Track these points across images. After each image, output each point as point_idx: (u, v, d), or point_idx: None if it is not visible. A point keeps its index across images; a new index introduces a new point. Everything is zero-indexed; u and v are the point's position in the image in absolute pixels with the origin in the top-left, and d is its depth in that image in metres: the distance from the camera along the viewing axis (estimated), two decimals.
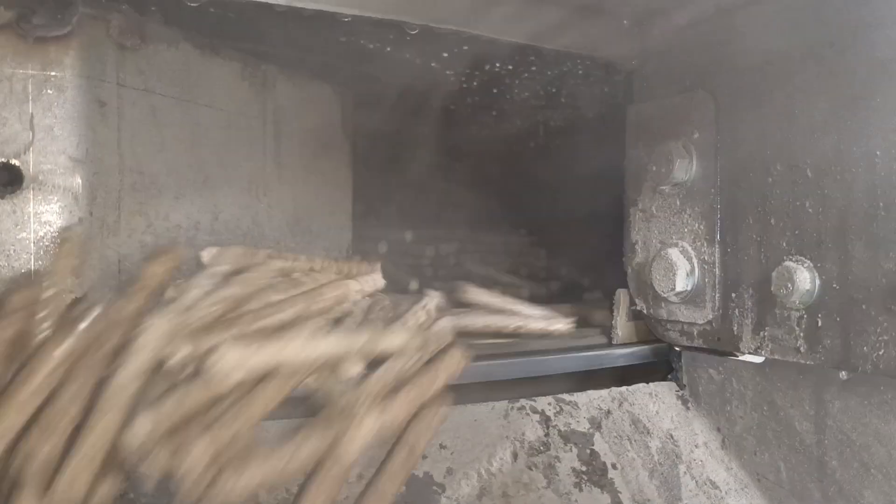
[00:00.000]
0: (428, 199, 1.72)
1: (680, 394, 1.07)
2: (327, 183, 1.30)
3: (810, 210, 0.84)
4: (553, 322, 1.12)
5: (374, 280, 0.98)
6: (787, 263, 0.85)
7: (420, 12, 0.93)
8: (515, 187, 1.81)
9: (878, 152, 0.77)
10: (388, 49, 1.12)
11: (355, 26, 0.95)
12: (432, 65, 1.25)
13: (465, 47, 1.13)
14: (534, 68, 1.29)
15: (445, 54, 1.18)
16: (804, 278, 0.84)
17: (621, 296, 1.12)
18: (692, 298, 0.99)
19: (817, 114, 0.83)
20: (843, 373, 0.84)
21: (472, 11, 0.97)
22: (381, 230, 1.54)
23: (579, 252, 1.66)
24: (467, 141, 1.74)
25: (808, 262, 0.84)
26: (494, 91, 1.44)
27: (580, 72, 1.25)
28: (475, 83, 1.39)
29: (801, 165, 0.85)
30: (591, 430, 0.97)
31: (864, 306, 0.79)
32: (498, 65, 1.29)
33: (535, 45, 1.06)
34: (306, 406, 0.76)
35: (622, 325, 1.12)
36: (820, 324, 0.83)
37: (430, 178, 1.69)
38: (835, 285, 0.82)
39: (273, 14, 0.92)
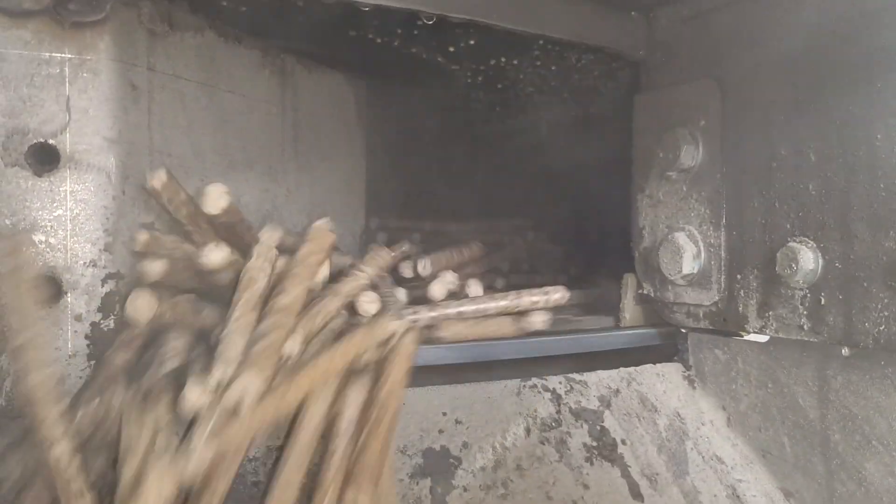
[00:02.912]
0: (439, 187, 1.75)
1: (686, 374, 1.10)
2: (342, 169, 1.33)
3: (813, 192, 0.88)
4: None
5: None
6: (791, 244, 0.88)
7: (435, 2, 0.96)
8: (524, 175, 1.84)
9: (878, 136, 0.80)
10: (404, 40, 1.15)
11: (374, 15, 0.97)
12: (442, 58, 1.28)
13: (473, 41, 1.16)
14: (539, 62, 1.32)
15: (452, 49, 1.21)
16: (808, 258, 0.87)
17: (629, 280, 1.16)
18: (698, 281, 1.02)
19: (820, 99, 0.87)
20: (845, 349, 0.87)
21: (484, 1, 1.00)
22: (393, 218, 1.57)
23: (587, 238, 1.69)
24: (475, 131, 1.77)
25: (812, 242, 0.87)
26: (500, 85, 1.47)
27: (588, 62, 1.27)
28: (481, 76, 1.41)
29: (805, 150, 0.88)
30: (600, 408, 1.00)
31: (865, 284, 0.82)
32: (504, 58, 1.32)
33: (545, 34, 1.09)
34: None
35: (630, 309, 1.16)
36: (823, 302, 0.87)
37: (441, 167, 1.72)
38: (837, 264, 0.85)
39: (294, 4, 0.95)
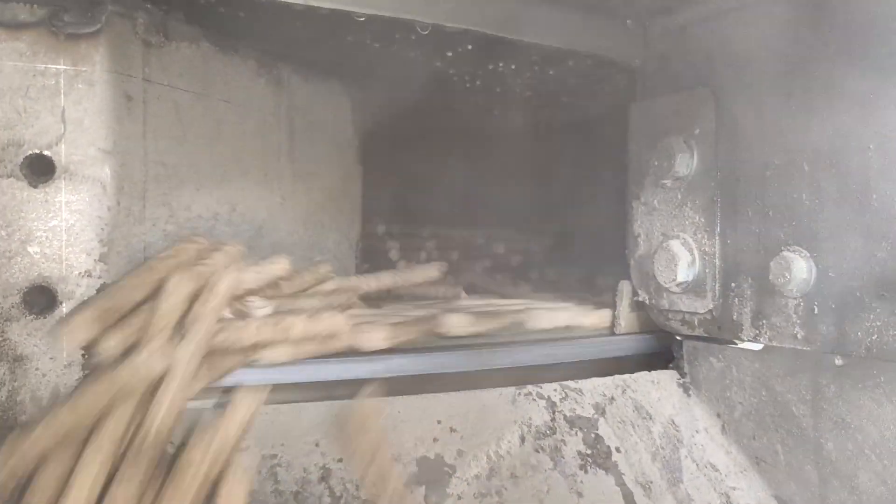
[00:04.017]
0: (436, 193, 1.76)
1: (681, 381, 1.10)
2: (338, 178, 1.34)
3: (807, 202, 0.88)
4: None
5: None
6: (785, 253, 0.89)
7: (431, 11, 0.97)
8: (521, 182, 1.85)
9: (871, 146, 0.81)
10: (399, 48, 1.15)
11: (370, 24, 0.98)
12: (439, 63, 1.29)
13: (469, 47, 1.17)
14: (537, 67, 1.33)
15: (449, 54, 1.21)
16: (801, 267, 0.87)
17: (624, 287, 1.16)
18: (693, 288, 1.03)
19: (813, 109, 0.87)
20: (838, 358, 0.87)
21: (481, 10, 1.01)
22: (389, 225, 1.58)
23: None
24: (472, 138, 1.78)
25: (805, 252, 0.88)
26: (498, 90, 1.47)
27: (584, 69, 1.28)
28: (478, 81, 1.42)
29: (798, 159, 0.89)
30: (595, 416, 1.00)
31: (858, 293, 0.82)
32: (501, 63, 1.32)
33: (540, 43, 1.09)
34: None
35: (625, 316, 1.16)
36: (816, 311, 0.87)
37: (436, 174, 1.73)
38: (830, 274, 0.85)
39: (289, 13, 0.96)
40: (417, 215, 1.72)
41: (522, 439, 0.93)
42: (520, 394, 0.98)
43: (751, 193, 0.95)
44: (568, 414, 0.99)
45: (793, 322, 0.90)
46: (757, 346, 0.99)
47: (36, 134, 0.78)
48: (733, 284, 0.98)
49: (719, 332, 1.01)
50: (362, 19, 0.94)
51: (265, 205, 1.13)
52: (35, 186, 0.78)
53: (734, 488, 0.99)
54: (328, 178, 1.31)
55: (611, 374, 1.07)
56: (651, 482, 0.95)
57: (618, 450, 0.97)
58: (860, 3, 0.82)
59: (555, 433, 0.95)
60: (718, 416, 1.06)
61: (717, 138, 0.99)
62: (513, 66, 1.32)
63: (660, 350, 1.15)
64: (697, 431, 1.05)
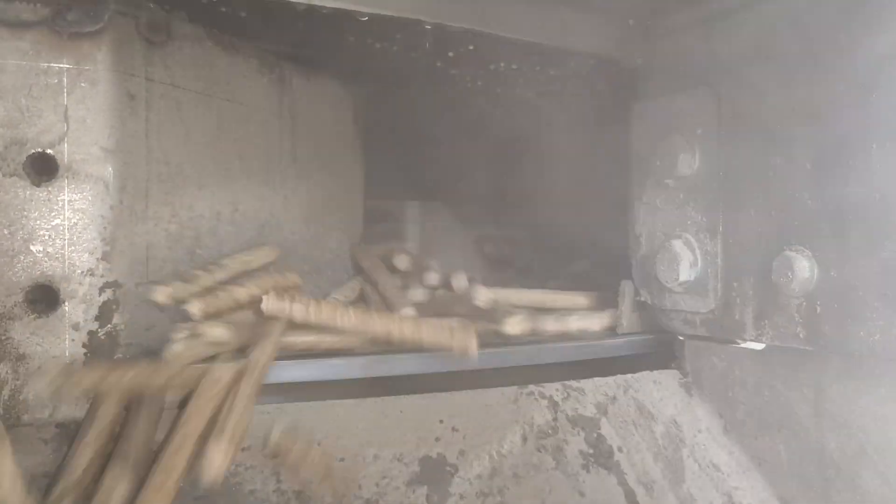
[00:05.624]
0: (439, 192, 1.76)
1: (683, 381, 1.11)
2: (339, 177, 1.34)
3: (809, 201, 0.88)
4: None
5: None
6: (787, 253, 0.88)
7: (433, 11, 0.97)
8: (522, 183, 1.85)
9: (873, 145, 0.80)
10: (402, 46, 1.15)
11: (371, 25, 0.98)
12: (440, 63, 1.29)
13: (472, 46, 1.17)
14: (539, 67, 1.32)
15: (451, 54, 1.21)
16: (803, 267, 0.87)
17: (626, 287, 1.16)
18: (695, 288, 1.03)
19: (816, 109, 0.87)
20: (841, 358, 0.87)
21: (483, 10, 1.01)
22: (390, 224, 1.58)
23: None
24: (474, 136, 1.78)
25: (808, 251, 0.87)
26: (499, 90, 1.47)
27: (586, 68, 1.28)
28: (480, 81, 1.42)
29: (800, 159, 0.88)
30: (597, 415, 1.00)
31: (860, 293, 0.82)
32: (503, 63, 1.32)
33: (543, 43, 1.09)
34: None
35: (627, 316, 1.16)
36: (819, 311, 0.87)
37: (440, 172, 1.73)
38: (833, 273, 0.85)
39: (292, 13, 0.96)
40: (421, 214, 1.71)
41: (524, 439, 0.93)
42: (522, 393, 0.98)
43: (753, 193, 0.94)
44: (570, 413, 0.99)
45: (795, 322, 0.89)
46: (759, 346, 0.99)
47: (39, 133, 0.78)
48: (735, 284, 0.97)
49: (721, 332, 1.00)
50: (365, 19, 0.94)
51: (267, 204, 1.13)
52: (38, 185, 0.78)
53: (736, 488, 0.99)
54: (330, 178, 1.31)
55: (613, 374, 1.07)
56: (653, 482, 0.95)
57: (620, 449, 0.97)
58: None
59: (557, 433, 0.95)
60: (720, 415, 1.06)
61: (719, 138, 0.99)
62: (514, 67, 1.32)
63: (662, 350, 1.15)
64: (699, 431, 1.05)
